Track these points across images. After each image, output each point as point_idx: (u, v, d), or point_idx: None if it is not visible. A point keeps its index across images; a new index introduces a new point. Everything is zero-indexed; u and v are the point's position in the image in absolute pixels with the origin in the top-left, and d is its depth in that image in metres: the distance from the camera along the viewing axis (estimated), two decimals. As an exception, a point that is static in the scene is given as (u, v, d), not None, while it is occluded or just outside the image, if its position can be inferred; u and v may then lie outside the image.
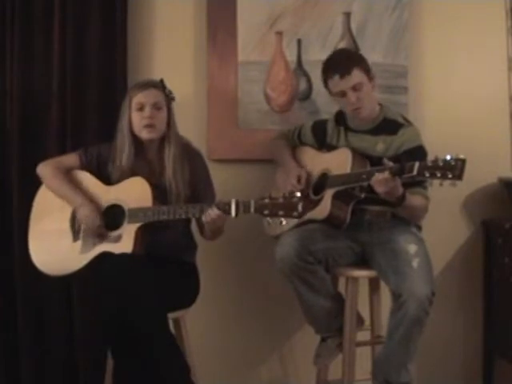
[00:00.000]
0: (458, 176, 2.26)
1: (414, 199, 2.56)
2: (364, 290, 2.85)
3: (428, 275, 2.53)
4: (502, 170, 3.17)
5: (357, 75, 2.63)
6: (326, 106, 3.09)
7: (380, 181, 2.43)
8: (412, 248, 2.59)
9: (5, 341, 3.03)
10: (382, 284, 2.74)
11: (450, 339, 3.23)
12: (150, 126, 2.59)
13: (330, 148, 2.81)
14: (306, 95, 3.15)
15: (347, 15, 3.13)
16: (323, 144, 2.85)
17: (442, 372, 3.19)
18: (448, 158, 2.28)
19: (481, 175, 3.09)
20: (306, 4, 3.12)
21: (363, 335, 2.87)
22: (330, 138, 2.82)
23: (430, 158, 2.35)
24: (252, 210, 2.40)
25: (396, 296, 2.53)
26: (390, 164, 2.43)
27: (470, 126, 3.20)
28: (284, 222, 2.39)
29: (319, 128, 2.88)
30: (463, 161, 2.26)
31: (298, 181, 2.76)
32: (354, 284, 2.70)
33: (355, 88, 2.64)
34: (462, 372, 3.26)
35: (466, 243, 3.24)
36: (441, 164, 2.28)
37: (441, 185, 2.30)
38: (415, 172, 2.34)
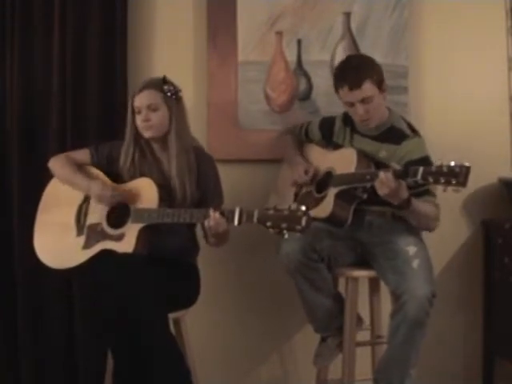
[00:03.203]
0: (462, 183, 2.25)
1: (421, 205, 2.55)
2: (364, 290, 2.85)
3: (428, 276, 2.52)
4: (501, 170, 3.17)
5: (367, 88, 2.59)
6: (326, 105, 3.09)
7: (382, 181, 2.42)
8: (411, 249, 2.58)
9: (5, 341, 3.04)
10: (382, 284, 2.73)
11: (449, 339, 3.23)
12: (145, 128, 2.60)
13: (336, 147, 2.81)
14: (306, 95, 3.15)
15: (347, 15, 3.13)
16: (329, 142, 2.85)
17: (442, 372, 3.19)
18: (452, 164, 2.27)
19: (481, 175, 3.09)
20: (306, 4, 3.12)
21: (363, 335, 2.87)
22: (337, 136, 2.81)
23: (435, 162, 2.34)
24: (255, 220, 2.37)
25: (396, 297, 2.53)
26: (396, 166, 2.44)
27: (470, 126, 3.20)
28: (286, 236, 2.34)
29: (326, 125, 2.87)
30: (468, 168, 2.25)
31: (305, 173, 2.77)
32: (354, 284, 2.70)
33: (364, 101, 2.61)
34: (462, 372, 3.26)
35: (466, 243, 3.24)
36: (445, 170, 2.27)
37: (444, 191, 2.30)
38: (419, 176, 2.34)
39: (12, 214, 2.99)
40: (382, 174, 2.43)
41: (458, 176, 2.25)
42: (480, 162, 2.95)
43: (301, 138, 2.96)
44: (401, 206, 2.50)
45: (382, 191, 2.44)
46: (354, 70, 2.62)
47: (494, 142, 3.21)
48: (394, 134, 2.70)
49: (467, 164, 2.26)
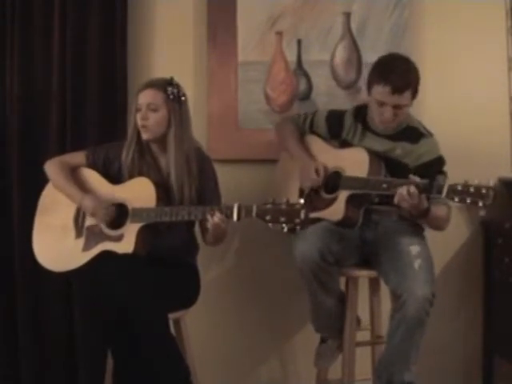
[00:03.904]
0: (490, 205, 2.28)
1: (438, 210, 2.53)
2: (364, 290, 2.85)
3: (429, 276, 2.52)
4: (501, 170, 3.17)
5: (406, 97, 2.56)
6: (325, 105, 3.08)
7: (403, 197, 2.40)
8: (415, 249, 2.57)
9: (5, 341, 3.04)
10: (382, 284, 2.73)
11: (449, 339, 3.23)
12: (143, 127, 2.60)
13: (344, 144, 2.75)
14: (306, 95, 3.15)
15: (347, 15, 3.12)
16: (336, 137, 2.78)
17: (442, 372, 3.19)
18: (478, 183, 2.28)
19: (481, 175, 3.08)
20: (306, 4, 3.12)
21: (363, 335, 2.87)
22: (347, 133, 2.75)
23: (460, 180, 2.33)
24: (254, 214, 2.38)
25: (396, 296, 2.52)
26: (417, 179, 2.42)
27: (470, 126, 3.19)
28: (285, 229, 2.35)
29: (335, 120, 2.79)
30: (495, 190, 2.27)
31: (317, 173, 2.69)
32: (354, 284, 2.70)
33: (397, 107, 2.57)
34: (462, 372, 3.26)
35: (466, 243, 3.24)
36: (472, 190, 2.28)
37: (469, 209, 2.30)
38: (444, 194, 2.33)
39: (12, 213, 2.99)
40: (404, 190, 2.40)
41: (484, 198, 2.27)
42: (480, 161, 2.96)
43: (304, 129, 2.88)
44: (419, 215, 2.50)
45: (405, 205, 2.43)
46: (402, 76, 2.55)
47: (494, 141, 3.21)
48: (409, 132, 2.68)
49: (492, 184, 2.28)
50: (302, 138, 2.87)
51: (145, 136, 2.61)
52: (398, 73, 2.56)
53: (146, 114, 2.59)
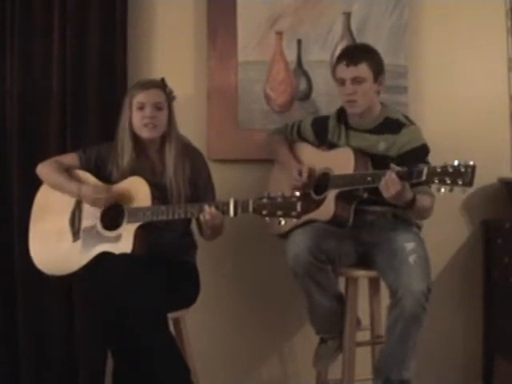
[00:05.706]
0: (469, 183, 2.24)
1: (423, 200, 2.54)
2: (364, 290, 2.85)
3: (424, 271, 2.53)
4: (502, 170, 3.17)
5: (363, 69, 2.63)
6: (326, 105, 3.09)
7: (387, 184, 2.41)
8: (410, 245, 2.59)
9: (5, 341, 3.03)
10: (382, 284, 2.74)
11: (449, 339, 3.23)
12: (150, 125, 2.60)
13: (331, 146, 2.79)
14: (306, 95, 3.15)
15: (347, 15, 3.13)
16: (324, 141, 2.83)
17: (442, 372, 3.19)
18: (456, 163, 2.26)
19: (481, 175, 3.07)
20: (306, 4, 3.12)
21: (363, 335, 2.87)
22: (331, 135, 2.79)
23: (439, 163, 2.31)
24: (250, 209, 2.40)
25: (393, 293, 2.54)
26: (397, 168, 2.42)
27: (470, 126, 3.20)
28: (283, 222, 2.37)
29: (320, 125, 2.85)
30: (473, 167, 2.24)
31: (299, 174, 2.73)
32: (354, 284, 2.70)
33: (355, 80, 2.63)
34: (462, 372, 3.26)
35: (466, 243, 3.24)
36: (450, 170, 2.26)
37: (451, 191, 2.27)
38: (424, 178, 2.32)
39: (12, 213, 2.99)
40: (386, 177, 2.42)
41: (464, 176, 2.24)
42: (480, 161, 2.94)
43: (292, 137, 2.93)
44: (406, 206, 2.51)
45: (387, 193, 2.43)
46: (356, 50, 2.73)
47: (494, 142, 3.21)
48: (390, 124, 2.70)
49: (472, 163, 2.25)
50: (292, 145, 2.92)
51: (150, 135, 2.61)
52: (351, 48, 2.81)
53: (154, 112, 2.59)
